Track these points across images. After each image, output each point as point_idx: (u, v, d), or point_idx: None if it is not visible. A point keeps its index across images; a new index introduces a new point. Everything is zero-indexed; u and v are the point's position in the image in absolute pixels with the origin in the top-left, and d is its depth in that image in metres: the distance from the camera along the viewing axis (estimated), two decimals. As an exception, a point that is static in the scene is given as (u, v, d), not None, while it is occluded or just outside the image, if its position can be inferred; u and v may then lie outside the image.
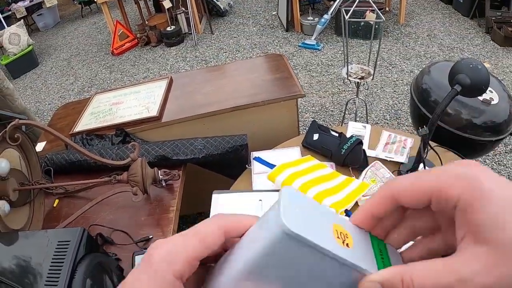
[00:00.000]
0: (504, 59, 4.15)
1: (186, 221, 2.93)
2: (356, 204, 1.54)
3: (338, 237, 0.34)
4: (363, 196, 1.54)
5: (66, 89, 5.09)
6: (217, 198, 1.60)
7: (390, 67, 4.32)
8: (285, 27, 5.29)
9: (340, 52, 4.66)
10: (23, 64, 5.79)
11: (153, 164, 1.78)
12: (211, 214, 1.57)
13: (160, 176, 1.64)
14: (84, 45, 6.33)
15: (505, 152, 3.13)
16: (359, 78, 2.55)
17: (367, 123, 3.31)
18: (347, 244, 0.34)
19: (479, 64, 1.33)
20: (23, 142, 1.69)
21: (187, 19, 5.38)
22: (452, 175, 0.32)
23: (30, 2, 7.18)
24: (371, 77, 2.54)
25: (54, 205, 1.87)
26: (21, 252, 1.21)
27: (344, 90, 3.94)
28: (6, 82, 3.28)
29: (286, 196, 0.35)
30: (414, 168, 1.60)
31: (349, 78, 2.53)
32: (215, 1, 5.88)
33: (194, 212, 2.79)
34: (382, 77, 4.16)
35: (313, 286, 0.34)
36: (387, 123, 3.49)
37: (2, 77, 3.24)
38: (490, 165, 3.04)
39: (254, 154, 1.80)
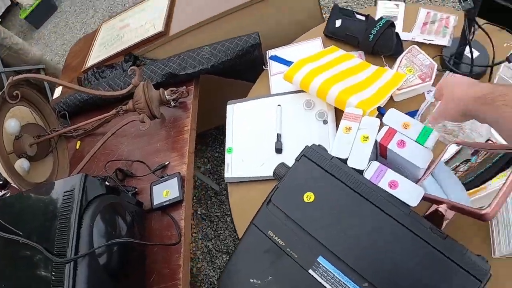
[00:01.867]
0: None
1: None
2: (391, 98, 1.32)
3: (403, 126, 1.00)
4: (398, 89, 1.30)
5: (87, 23, 4.97)
6: (232, 108, 1.44)
7: None
8: None
9: None
10: (42, 12, 5.63)
11: (163, 83, 1.62)
12: (227, 126, 1.41)
13: (167, 96, 1.47)
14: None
15: None
16: None
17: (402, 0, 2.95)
18: (405, 127, 1.01)
19: None
20: (29, 95, 1.62)
21: None
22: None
23: None
24: None
25: (77, 147, 1.81)
26: (33, 209, 1.15)
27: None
28: (13, 38, 3.24)
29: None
30: (459, 52, 1.33)
31: None
32: None
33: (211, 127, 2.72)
34: None
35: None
36: (429, 0, 3.10)
37: (8, 35, 3.20)
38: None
39: (270, 52, 1.57)
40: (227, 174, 1.33)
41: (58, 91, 2.26)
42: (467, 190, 0.88)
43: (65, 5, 5.73)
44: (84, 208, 1.04)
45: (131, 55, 1.94)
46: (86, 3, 5.41)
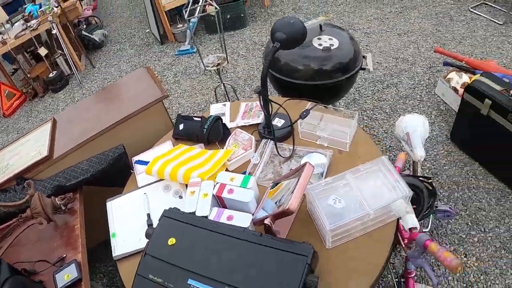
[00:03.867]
0: (367, 10, 4.93)
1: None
2: (227, 169, 1.84)
3: (230, 180, 1.57)
4: (228, 160, 1.84)
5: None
6: (111, 205, 1.86)
7: (263, 48, 4.70)
8: (160, 40, 5.56)
9: (215, 48, 4.98)
10: None
11: (53, 195, 2.01)
12: (109, 218, 1.82)
13: (58, 202, 1.88)
14: (-24, 117, 6.23)
15: (383, 88, 3.70)
16: (216, 66, 2.91)
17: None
18: (232, 180, 1.57)
19: (291, 19, 1.58)
20: None
21: (66, 61, 5.51)
22: None
23: None
24: (226, 61, 2.91)
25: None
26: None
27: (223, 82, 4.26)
28: None
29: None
30: (267, 124, 1.88)
31: (207, 68, 2.89)
32: (89, 35, 6.02)
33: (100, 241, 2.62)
34: (257, 59, 4.59)
35: None
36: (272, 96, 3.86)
37: None
38: (371, 104, 3.54)
39: (135, 158, 2.06)
40: (114, 254, 1.70)
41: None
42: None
43: None
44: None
45: (22, 179, 2.31)
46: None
